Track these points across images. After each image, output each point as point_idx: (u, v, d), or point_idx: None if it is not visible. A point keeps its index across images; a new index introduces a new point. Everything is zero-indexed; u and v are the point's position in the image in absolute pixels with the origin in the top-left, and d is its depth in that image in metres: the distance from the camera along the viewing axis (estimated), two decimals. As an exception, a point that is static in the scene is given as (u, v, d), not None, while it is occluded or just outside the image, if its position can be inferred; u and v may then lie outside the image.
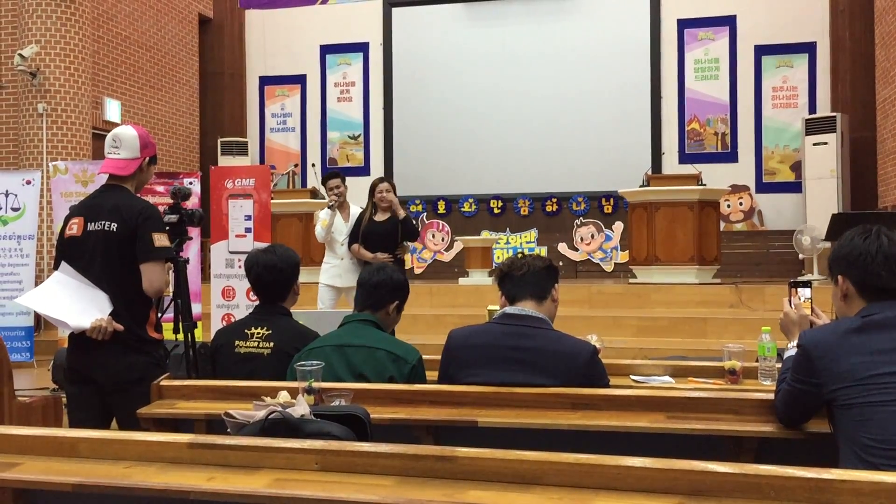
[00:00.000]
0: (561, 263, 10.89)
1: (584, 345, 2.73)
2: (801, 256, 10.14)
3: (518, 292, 2.80)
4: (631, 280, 9.41)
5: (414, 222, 6.37)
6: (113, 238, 3.08)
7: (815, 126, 10.62)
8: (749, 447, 2.36)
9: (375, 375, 2.83)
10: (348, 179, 6.85)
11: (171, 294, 4.02)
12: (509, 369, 2.65)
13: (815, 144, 10.56)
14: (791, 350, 2.50)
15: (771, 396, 2.40)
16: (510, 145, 12.02)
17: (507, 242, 11.83)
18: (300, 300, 3.54)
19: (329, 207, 6.38)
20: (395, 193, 6.27)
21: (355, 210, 6.44)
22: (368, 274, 3.14)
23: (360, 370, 2.84)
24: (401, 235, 6.18)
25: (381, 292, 3.08)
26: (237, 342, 3.19)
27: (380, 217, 6.24)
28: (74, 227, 3.14)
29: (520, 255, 2.93)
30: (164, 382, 2.84)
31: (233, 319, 6.38)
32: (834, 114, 10.62)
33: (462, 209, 12.16)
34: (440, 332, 3.32)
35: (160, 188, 7.17)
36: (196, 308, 6.25)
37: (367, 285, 3.09)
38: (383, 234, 6.15)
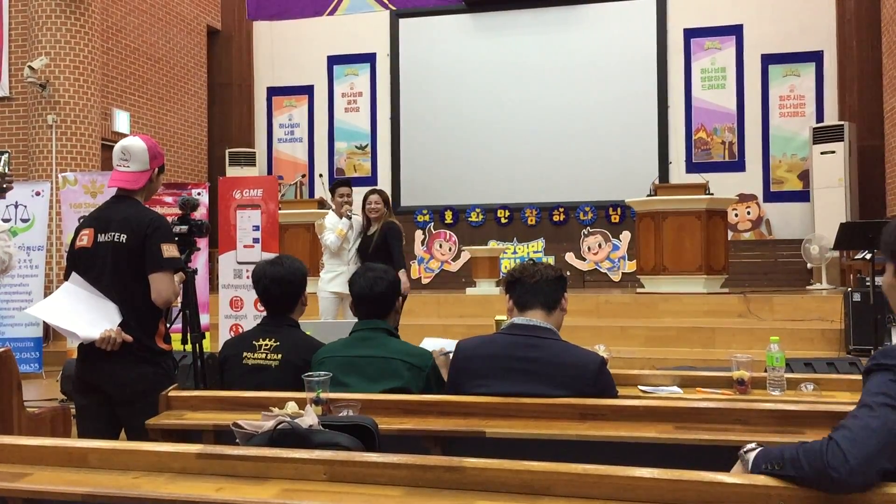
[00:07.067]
0: (568, 273, 10.86)
1: (592, 356, 2.72)
2: (809, 266, 10.12)
3: (528, 300, 2.78)
4: (639, 290, 9.39)
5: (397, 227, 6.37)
6: (122, 249, 3.09)
7: (822, 135, 10.61)
8: (758, 458, 2.35)
9: (391, 385, 2.83)
10: (356, 190, 6.91)
11: (179, 305, 4.03)
12: (517, 380, 2.64)
13: (822, 153, 10.55)
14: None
15: (780, 406, 2.38)
16: (517, 155, 12.03)
17: (515, 252, 11.83)
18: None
19: (348, 217, 6.43)
20: (388, 205, 6.38)
21: (356, 219, 6.50)
22: (369, 285, 3.04)
23: (375, 381, 2.85)
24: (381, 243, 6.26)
25: (386, 298, 3.07)
26: (245, 354, 3.18)
27: (372, 229, 6.32)
28: (85, 239, 3.16)
29: (530, 262, 2.92)
30: (173, 393, 2.84)
31: (241, 330, 6.40)
32: (841, 123, 10.61)
33: (469, 219, 12.17)
34: (448, 342, 3.32)
35: (168, 199, 7.19)
36: (204, 319, 6.28)
37: (369, 297, 3.04)
38: (374, 246, 6.21)
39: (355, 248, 6.45)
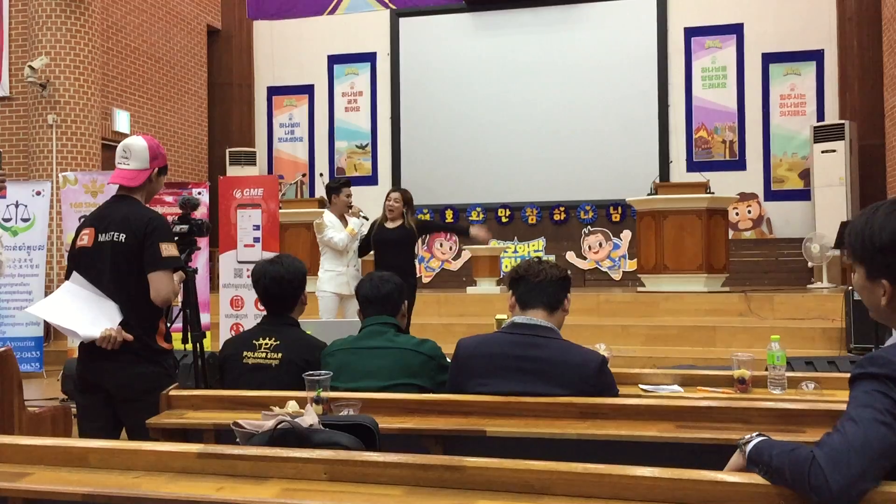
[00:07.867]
0: (569, 272, 10.88)
1: (593, 355, 2.72)
2: (810, 265, 10.11)
3: (531, 299, 2.77)
4: (639, 289, 9.39)
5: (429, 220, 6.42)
6: (122, 249, 3.10)
7: (823, 134, 10.60)
8: (759, 457, 2.34)
9: (404, 375, 2.90)
10: (357, 189, 6.91)
11: (179, 304, 4.03)
12: (518, 379, 2.64)
13: (823, 152, 10.54)
14: None
15: (780, 405, 2.38)
16: (518, 154, 12.02)
17: (515, 251, 11.82)
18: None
19: (363, 217, 6.47)
20: (409, 203, 6.38)
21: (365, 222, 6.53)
22: (373, 288, 3.16)
23: (388, 371, 2.91)
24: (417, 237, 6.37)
25: (392, 298, 3.17)
26: (245, 353, 3.19)
27: (391, 224, 6.31)
28: (85, 238, 3.17)
29: (535, 259, 2.92)
30: (173, 392, 2.84)
31: (241, 329, 6.39)
32: (842, 121, 10.60)
33: (470, 218, 12.16)
34: (448, 341, 3.32)
35: (169, 198, 7.19)
36: (204, 318, 6.27)
37: (378, 298, 3.15)
38: (395, 240, 6.22)
39: (353, 249, 6.47)
